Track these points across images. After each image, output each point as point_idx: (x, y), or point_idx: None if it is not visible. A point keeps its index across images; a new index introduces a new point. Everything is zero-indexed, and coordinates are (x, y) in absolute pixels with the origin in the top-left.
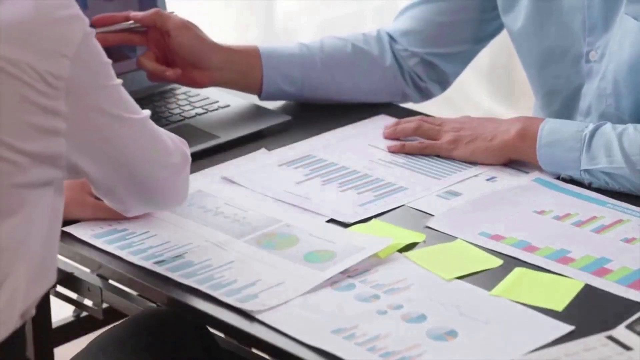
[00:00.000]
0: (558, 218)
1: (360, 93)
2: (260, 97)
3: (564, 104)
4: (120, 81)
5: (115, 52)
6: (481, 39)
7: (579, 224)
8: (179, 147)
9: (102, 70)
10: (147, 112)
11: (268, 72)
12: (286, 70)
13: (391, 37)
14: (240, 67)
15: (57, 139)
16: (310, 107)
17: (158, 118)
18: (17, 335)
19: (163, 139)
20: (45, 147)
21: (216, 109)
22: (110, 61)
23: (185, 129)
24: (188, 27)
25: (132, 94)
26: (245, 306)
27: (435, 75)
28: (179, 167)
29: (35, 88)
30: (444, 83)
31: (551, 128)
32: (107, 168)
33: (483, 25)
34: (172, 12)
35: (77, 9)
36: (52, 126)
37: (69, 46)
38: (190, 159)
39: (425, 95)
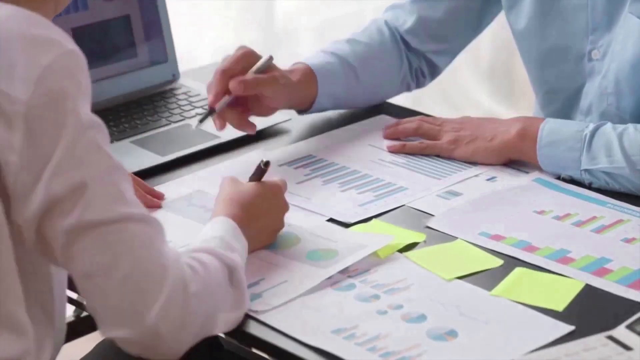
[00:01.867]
0: (558, 218)
1: (380, 99)
2: (300, 114)
3: (564, 102)
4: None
5: (114, 53)
6: (479, 30)
7: (579, 224)
8: (178, 267)
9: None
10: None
11: (321, 94)
12: (333, 90)
13: (400, 35)
14: (303, 99)
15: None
16: None
17: (158, 118)
18: None
19: (153, 241)
20: None
21: None
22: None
23: (186, 129)
24: (279, 83)
25: (132, 94)
26: (250, 306)
27: (431, 69)
28: (174, 296)
29: None
30: (436, 75)
31: (551, 128)
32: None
33: (482, 18)
34: (269, 63)
35: (52, 31)
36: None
37: (33, 70)
38: (194, 290)
39: (417, 87)
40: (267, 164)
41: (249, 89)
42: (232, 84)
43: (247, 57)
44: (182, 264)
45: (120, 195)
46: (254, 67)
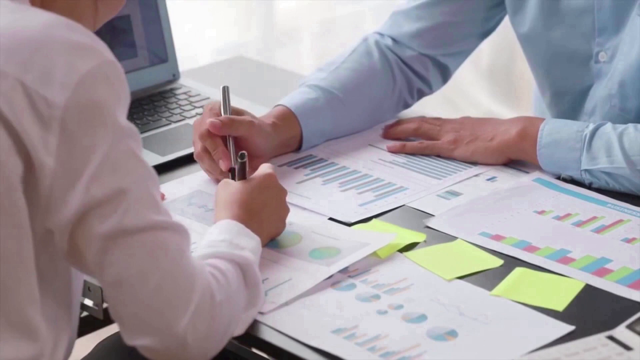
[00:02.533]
0: (558, 218)
1: (374, 124)
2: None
3: (572, 103)
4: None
5: (114, 52)
6: (487, 32)
7: (579, 224)
8: (205, 277)
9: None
10: (172, 216)
11: (307, 134)
12: (319, 126)
13: (397, 42)
14: (287, 141)
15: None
16: None
17: (158, 118)
18: None
19: (182, 256)
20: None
21: None
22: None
23: (186, 129)
24: (254, 124)
25: (132, 94)
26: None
27: (441, 77)
28: (202, 306)
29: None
30: (448, 77)
31: (551, 128)
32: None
33: (489, 20)
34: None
35: (93, 40)
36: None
37: (71, 75)
38: (219, 299)
39: (419, 98)
40: (242, 156)
41: (226, 129)
42: (210, 125)
43: (211, 108)
44: (207, 274)
45: (155, 203)
46: (222, 110)
